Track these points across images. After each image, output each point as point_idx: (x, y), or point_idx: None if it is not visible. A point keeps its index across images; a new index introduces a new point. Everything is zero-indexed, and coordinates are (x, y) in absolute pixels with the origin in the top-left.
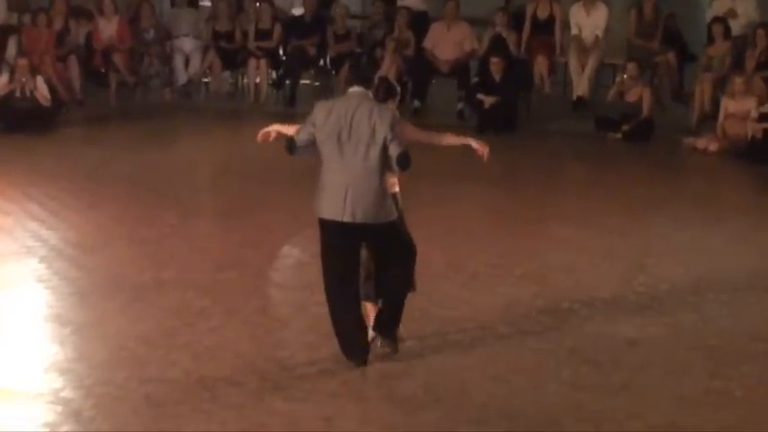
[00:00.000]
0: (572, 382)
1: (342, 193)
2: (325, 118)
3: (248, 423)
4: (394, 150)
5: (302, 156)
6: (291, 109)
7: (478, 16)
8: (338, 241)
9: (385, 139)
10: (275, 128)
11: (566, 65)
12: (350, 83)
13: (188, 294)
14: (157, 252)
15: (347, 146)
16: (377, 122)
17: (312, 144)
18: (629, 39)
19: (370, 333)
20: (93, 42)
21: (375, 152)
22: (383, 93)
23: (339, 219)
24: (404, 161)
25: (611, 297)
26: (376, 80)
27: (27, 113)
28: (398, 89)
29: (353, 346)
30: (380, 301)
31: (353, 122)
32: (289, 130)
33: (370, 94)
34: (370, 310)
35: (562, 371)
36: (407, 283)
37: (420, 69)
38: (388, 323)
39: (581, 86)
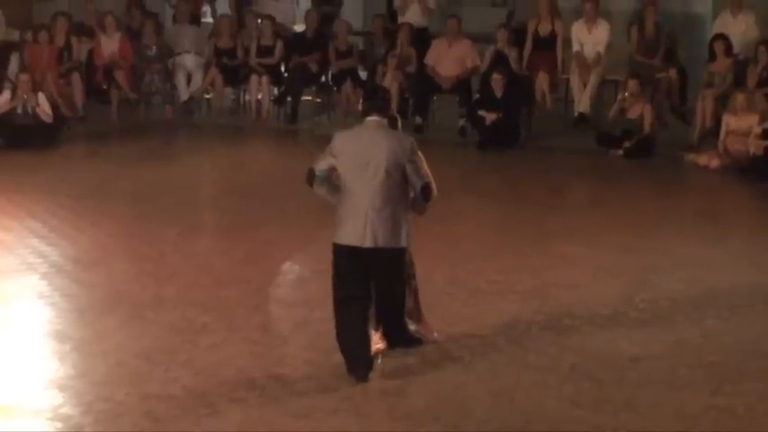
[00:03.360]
0: (573, 399)
1: (362, 220)
2: (343, 147)
3: None
4: (416, 183)
5: (320, 190)
6: (293, 126)
7: (480, 33)
8: (354, 266)
9: (404, 167)
10: None
11: (567, 81)
12: (366, 113)
13: (188, 311)
14: (158, 269)
15: (366, 173)
16: (396, 150)
17: (331, 174)
18: (631, 55)
19: (373, 348)
20: (95, 59)
21: (395, 179)
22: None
23: (360, 245)
24: (427, 193)
25: (612, 313)
26: None
27: (29, 130)
28: (399, 123)
29: (357, 360)
30: (382, 327)
31: (372, 151)
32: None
33: (386, 122)
34: (377, 339)
35: (563, 387)
36: (401, 303)
37: (421, 86)
38: (396, 337)
39: (582, 103)
